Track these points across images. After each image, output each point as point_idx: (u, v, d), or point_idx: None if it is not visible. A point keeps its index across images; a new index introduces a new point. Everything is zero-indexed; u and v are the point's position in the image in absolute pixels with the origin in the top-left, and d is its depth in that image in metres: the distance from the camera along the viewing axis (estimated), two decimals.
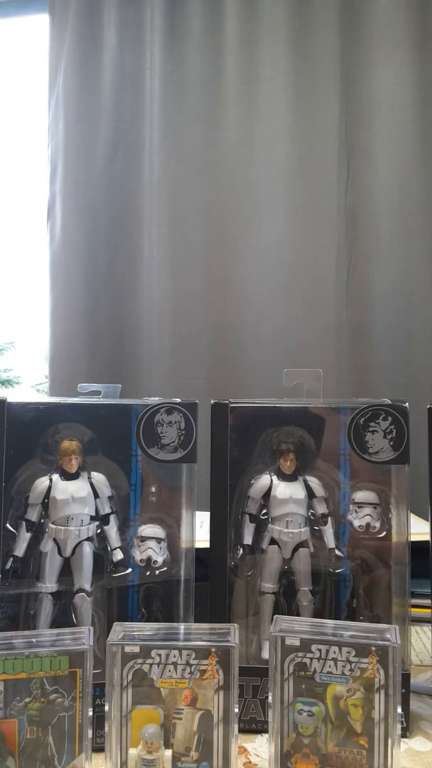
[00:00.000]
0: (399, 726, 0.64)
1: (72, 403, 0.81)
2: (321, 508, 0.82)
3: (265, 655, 0.75)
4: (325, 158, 1.60)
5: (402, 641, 0.68)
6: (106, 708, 0.64)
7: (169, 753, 0.64)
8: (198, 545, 0.80)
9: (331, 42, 1.60)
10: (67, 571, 0.78)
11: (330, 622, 0.70)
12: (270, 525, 0.81)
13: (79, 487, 0.78)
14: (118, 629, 0.66)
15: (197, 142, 1.66)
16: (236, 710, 0.64)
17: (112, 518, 0.79)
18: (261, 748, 0.73)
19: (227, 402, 0.81)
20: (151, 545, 0.79)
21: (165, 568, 0.79)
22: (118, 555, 0.79)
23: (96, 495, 0.79)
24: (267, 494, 0.82)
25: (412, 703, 0.79)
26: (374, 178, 1.59)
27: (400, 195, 1.57)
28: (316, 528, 0.82)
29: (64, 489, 0.78)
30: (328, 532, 0.81)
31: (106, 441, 0.80)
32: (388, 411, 0.80)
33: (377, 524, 0.80)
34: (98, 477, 0.80)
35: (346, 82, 1.60)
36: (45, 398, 1.68)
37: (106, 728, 0.64)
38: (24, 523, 0.78)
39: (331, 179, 1.60)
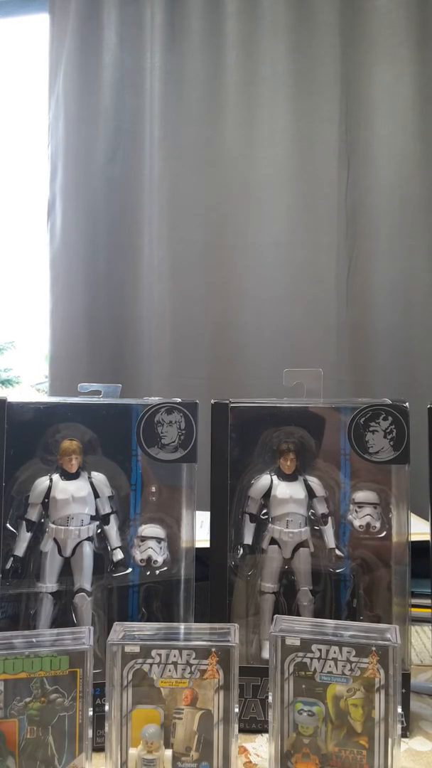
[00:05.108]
0: (399, 726, 0.64)
1: (72, 402, 0.81)
2: (321, 508, 0.82)
3: (265, 654, 0.75)
4: (325, 158, 1.60)
5: (402, 641, 0.68)
6: (106, 708, 0.64)
7: (169, 753, 0.64)
8: (198, 545, 0.80)
9: (331, 42, 1.59)
10: (67, 570, 0.78)
11: (330, 622, 0.70)
12: (270, 525, 0.81)
13: (79, 487, 0.78)
14: (118, 629, 0.66)
15: (197, 142, 1.66)
16: (236, 710, 0.64)
17: (112, 518, 0.79)
18: (261, 748, 0.73)
19: (227, 402, 0.81)
20: (151, 545, 0.79)
21: (165, 568, 0.79)
22: (119, 555, 0.79)
23: (96, 495, 0.79)
24: (267, 494, 0.81)
25: (412, 703, 0.79)
26: (374, 178, 1.59)
27: (400, 195, 1.57)
28: (316, 528, 0.82)
29: (64, 489, 0.78)
30: (329, 532, 0.81)
31: (106, 441, 0.80)
32: (388, 411, 0.80)
33: (377, 524, 0.80)
34: (98, 477, 0.80)
35: (346, 82, 1.59)
36: (45, 398, 1.67)
37: (106, 728, 0.64)
38: (24, 522, 0.78)
39: (331, 179, 1.60)
